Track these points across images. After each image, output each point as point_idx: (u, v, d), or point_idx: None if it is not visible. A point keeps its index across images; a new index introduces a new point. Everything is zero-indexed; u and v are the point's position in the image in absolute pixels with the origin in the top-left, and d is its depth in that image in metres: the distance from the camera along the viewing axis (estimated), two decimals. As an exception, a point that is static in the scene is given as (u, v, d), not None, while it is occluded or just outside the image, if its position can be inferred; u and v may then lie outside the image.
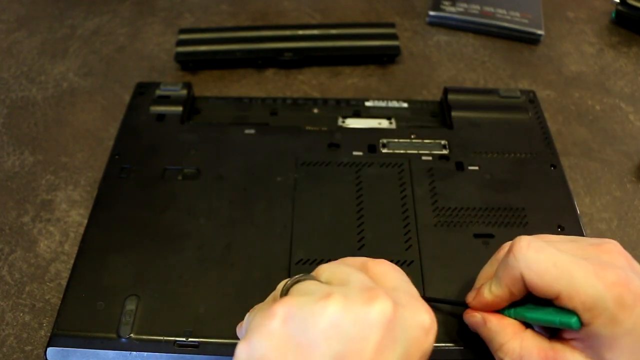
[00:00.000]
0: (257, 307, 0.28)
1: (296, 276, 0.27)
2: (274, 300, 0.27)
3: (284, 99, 0.49)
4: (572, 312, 0.27)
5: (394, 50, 0.57)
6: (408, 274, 0.29)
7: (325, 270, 0.27)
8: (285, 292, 0.26)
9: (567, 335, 0.28)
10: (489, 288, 0.30)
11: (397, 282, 0.27)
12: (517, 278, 0.28)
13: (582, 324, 0.27)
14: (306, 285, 0.26)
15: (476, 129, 0.45)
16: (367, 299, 0.23)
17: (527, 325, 0.30)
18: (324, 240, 0.37)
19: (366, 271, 0.27)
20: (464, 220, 0.39)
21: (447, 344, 0.33)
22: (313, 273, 0.28)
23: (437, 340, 0.31)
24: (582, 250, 0.28)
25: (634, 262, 0.29)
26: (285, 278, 0.35)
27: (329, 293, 0.23)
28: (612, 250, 0.28)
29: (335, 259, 0.36)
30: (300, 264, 0.36)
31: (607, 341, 0.26)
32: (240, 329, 0.30)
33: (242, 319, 0.32)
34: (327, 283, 0.26)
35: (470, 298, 0.32)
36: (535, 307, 0.29)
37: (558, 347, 0.28)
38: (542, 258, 0.27)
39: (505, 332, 0.30)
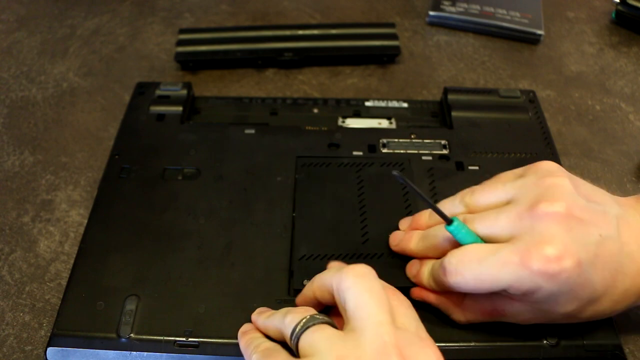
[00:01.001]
0: (271, 351, 0.28)
1: (305, 318, 0.27)
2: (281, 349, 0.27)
3: (284, 99, 0.49)
4: None
5: (394, 50, 0.57)
6: None
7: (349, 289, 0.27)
8: (297, 338, 0.26)
9: None
10: (427, 275, 0.33)
11: (407, 319, 0.28)
12: (450, 287, 0.30)
13: None
14: (318, 338, 0.26)
15: (476, 129, 0.45)
16: None
17: None
18: (327, 236, 0.37)
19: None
20: (464, 220, 0.39)
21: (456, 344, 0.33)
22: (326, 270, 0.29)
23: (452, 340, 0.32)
24: (520, 221, 0.29)
25: (578, 197, 0.29)
26: (285, 278, 0.35)
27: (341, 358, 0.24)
28: (548, 213, 0.28)
29: (339, 254, 0.36)
30: (304, 259, 0.36)
31: (545, 301, 0.29)
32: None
33: (243, 319, 0.32)
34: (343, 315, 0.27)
35: (413, 271, 0.34)
36: None
37: (498, 300, 0.30)
38: (469, 278, 0.29)
39: (447, 305, 0.33)
